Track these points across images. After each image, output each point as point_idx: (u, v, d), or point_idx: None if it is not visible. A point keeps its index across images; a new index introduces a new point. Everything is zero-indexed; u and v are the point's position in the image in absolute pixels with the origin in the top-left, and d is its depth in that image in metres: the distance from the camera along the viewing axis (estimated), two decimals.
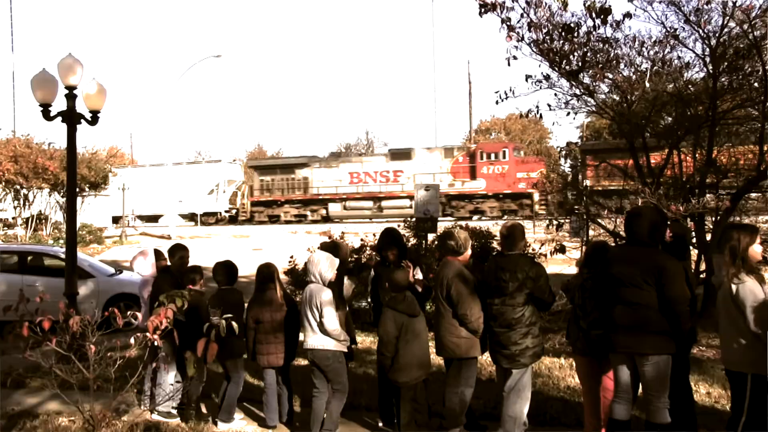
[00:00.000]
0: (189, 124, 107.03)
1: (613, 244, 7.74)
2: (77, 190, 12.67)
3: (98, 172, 33.58)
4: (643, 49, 8.46)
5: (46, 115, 8.92)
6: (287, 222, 44.35)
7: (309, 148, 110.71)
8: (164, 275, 6.80)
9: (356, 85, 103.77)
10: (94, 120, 9.30)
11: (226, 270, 6.48)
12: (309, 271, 5.91)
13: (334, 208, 43.32)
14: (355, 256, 10.39)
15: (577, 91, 9.17)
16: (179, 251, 7.05)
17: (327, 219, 43.56)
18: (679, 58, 8.60)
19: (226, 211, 45.69)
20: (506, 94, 8.99)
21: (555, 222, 10.58)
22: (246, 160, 58.19)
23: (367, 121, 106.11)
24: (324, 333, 5.76)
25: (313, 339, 5.80)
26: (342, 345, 5.84)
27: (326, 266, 5.85)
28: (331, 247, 6.46)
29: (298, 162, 43.62)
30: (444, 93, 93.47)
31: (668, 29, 8.30)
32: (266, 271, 6.28)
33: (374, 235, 11.16)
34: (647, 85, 8.52)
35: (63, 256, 11.16)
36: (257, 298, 6.24)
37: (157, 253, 7.19)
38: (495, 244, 10.63)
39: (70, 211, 9.27)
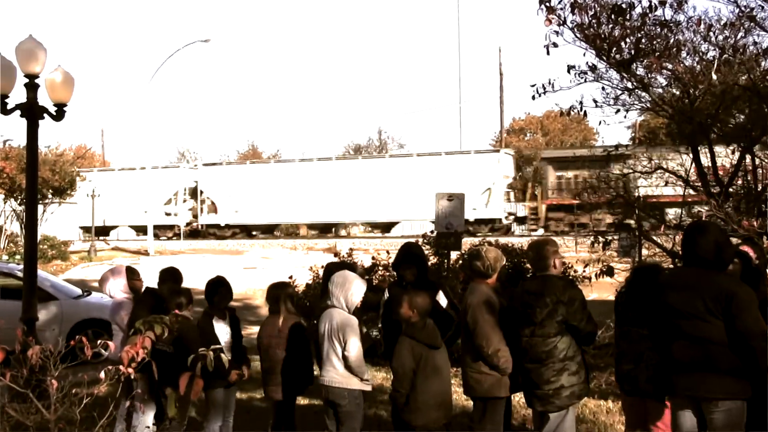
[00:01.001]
0: (173, 121, 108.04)
1: (670, 267, 7.68)
2: (38, 196, 12.70)
3: (64, 175, 33.76)
4: (710, 33, 8.38)
5: (3, 108, 8.95)
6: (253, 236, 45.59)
7: (311, 149, 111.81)
8: (147, 297, 6.85)
9: (366, 77, 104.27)
10: (59, 114, 9.33)
11: (219, 287, 6.70)
12: (331, 294, 5.96)
13: None
14: (366, 277, 10.42)
15: (629, 85, 9.14)
16: (170, 276, 7.13)
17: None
18: (755, 43, 8.49)
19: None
20: (544, 88, 8.96)
21: (601, 239, 10.53)
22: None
23: (379, 119, 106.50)
24: (347, 368, 5.79)
25: (332, 374, 5.83)
26: (365, 384, 5.88)
27: (356, 289, 5.90)
28: (345, 267, 6.55)
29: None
30: (470, 86, 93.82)
31: (742, 9, 8.22)
32: (270, 293, 6.51)
33: (387, 252, 11.18)
34: (714, 76, 8.44)
35: (20, 274, 11.18)
36: (264, 321, 6.53)
37: (130, 272, 7.22)
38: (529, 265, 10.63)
39: (30, 222, 9.31)
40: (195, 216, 46.83)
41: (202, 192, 46.13)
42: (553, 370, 5.35)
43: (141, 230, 47.08)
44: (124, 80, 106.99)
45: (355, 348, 5.72)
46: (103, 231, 47.13)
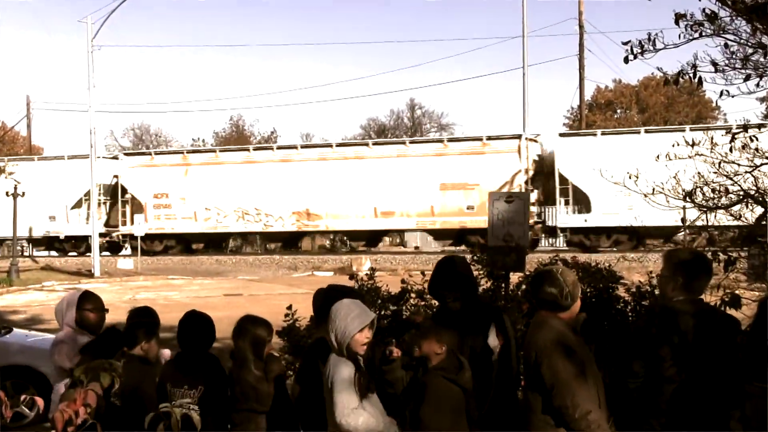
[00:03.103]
0: (131, 94, 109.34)
1: None
2: None
3: None
4: None
5: None
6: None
7: (320, 128, 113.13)
8: (105, 340, 6.94)
9: (391, 31, 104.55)
10: None
11: (195, 325, 6.72)
12: (330, 333, 5.99)
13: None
14: (391, 308, 10.39)
15: (765, 40, 9.05)
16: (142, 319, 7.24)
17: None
18: None
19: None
20: (642, 47, 8.89)
21: (722, 256, 10.41)
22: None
23: (408, 90, 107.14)
24: None
25: None
26: None
27: (348, 321, 5.88)
28: (345, 293, 6.56)
29: None
30: (539, 44, 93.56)
31: None
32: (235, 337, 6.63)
33: (422, 273, 11.16)
34: None
35: None
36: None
37: (83, 298, 7.27)
38: (623, 291, 10.54)
39: None
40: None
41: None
42: None
43: (39, 243, 48.01)
44: (60, 36, 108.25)
45: (343, 404, 5.65)
46: (34, 242, 47.98)
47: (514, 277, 11.66)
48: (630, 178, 9.77)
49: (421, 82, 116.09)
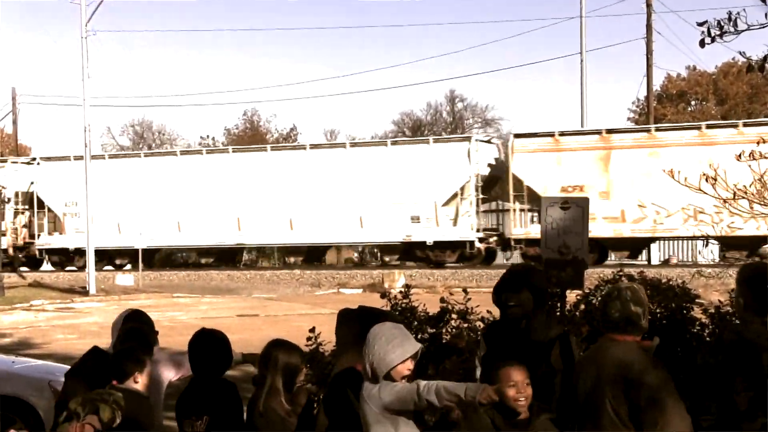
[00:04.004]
0: (133, 87, 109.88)
1: None
2: None
3: None
4: None
5: None
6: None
7: (346, 124, 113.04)
8: (88, 363, 7.02)
9: (429, 14, 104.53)
10: None
11: (207, 346, 6.76)
12: (366, 362, 6.03)
13: None
14: (429, 331, 10.38)
15: None
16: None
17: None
18: None
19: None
20: (721, 27, 8.82)
21: None
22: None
23: (448, 80, 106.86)
24: None
25: None
26: None
27: (390, 350, 5.91)
28: (374, 316, 6.57)
29: None
30: (599, 28, 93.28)
31: None
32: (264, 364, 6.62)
33: (464, 291, 11.14)
34: None
35: None
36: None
37: (131, 318, 7.52)
38: (699, 312, 10.49)
39: None
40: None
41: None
42: None
43: None
44: (49, 20, 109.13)
45: None
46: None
47: (571, 296, 11.63)
48: (706, 180, 9.70)
49: (462, 71, 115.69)
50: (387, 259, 46.28)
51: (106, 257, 47.78)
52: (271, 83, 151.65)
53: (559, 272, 11.26)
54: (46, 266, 49.24)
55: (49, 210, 47.89)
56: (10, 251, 47.82)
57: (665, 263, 43.38)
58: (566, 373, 6.42)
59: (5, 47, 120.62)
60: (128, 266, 48.51)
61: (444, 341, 10.10)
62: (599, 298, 10.24)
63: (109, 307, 33.54)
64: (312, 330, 10.93)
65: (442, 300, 10.96)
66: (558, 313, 11.03)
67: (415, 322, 10.27)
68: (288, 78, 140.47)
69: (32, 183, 48.46)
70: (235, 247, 47.31)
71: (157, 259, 51.15)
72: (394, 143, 46.92)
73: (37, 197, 48.02)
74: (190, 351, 6.75)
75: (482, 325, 9.90)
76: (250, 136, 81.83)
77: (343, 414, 6.31)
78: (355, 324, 6.68)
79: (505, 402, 5.84)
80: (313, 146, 46.92)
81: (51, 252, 48.11)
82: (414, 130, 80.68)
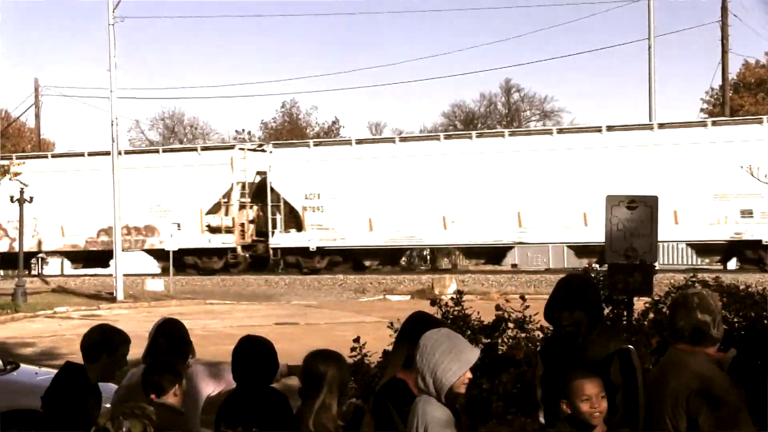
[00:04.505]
0: (160, 76, 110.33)
1: None
2: None
3: None
4: None
5: None
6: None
7: (392, 117, 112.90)
8: (66, 378, 7.12)
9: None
10: None
11: (253, 353, 6.78)
12: (419, 371, 6.02)
13: None
14: (484, 341, 10.35)
15: None
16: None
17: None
18: None
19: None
20: None
21: None
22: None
23: (503, 69, 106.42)
24: None
25: None
26: None
27: (452, 359, 5.92)
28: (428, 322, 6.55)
29: None
30: (667, 12, 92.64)
31: None
32: (314, 373, 6.55)
33: (522, 298, 11.09)
34: None
35: None
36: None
37: (163, 327, 7.55)
38: None
39: None
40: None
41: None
42: None
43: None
44: (74, 6, 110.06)
45: None
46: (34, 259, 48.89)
47: (639, 303, 11.55)
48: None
49: (519, 59, 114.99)
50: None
51: (351, 257, 47.80)
52: (311, 73, 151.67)
53: (626, 277, 11.19)
54: (59, 270, 49.43)
55: (285, 203, 47.43)
56: (239, 250, 48.20)
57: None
58: (627, 390, 6.38)
59: (26, 33, 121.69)
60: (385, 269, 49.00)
61: (500, 352, 10.06)
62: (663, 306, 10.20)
63: (138, 314, 33.75)
64: (356, 340, 10.94)
65: (498, 307, 10.91)
66: (624, 323, 10.96)
67: (469, 332, 10.24)
68: (329, 67, 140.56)
69: (263, 172, 48.54)
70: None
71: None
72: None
73: (271, 188, 47.64)
74: (235, 359, 6.75)
75: (541, 335, 9.86)
76: (288, 130, 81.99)
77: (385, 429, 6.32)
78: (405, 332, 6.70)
79: (578, 417, 5.83)
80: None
81: (287, 252, 47.73)
82: (466, 123, 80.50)
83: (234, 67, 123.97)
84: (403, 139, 49.75)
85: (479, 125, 76.37)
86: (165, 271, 46.90)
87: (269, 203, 47.53)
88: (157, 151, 53.48)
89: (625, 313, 11.12)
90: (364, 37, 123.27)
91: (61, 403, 6.96)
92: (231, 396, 6.81)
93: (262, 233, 48.82)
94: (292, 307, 37.18)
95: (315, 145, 49.29)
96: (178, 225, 47.02)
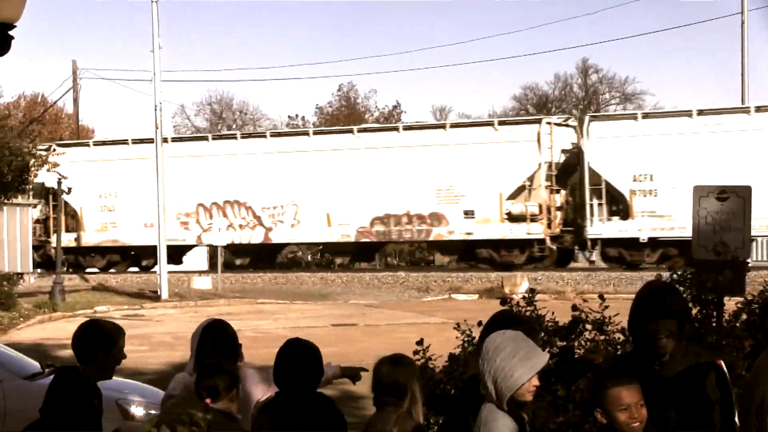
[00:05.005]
0: (206, 55, 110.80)
1: None
2: None
3: (9, 156, 34.97)
4: None
5: None
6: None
7: (459, 100, 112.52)
8: (64, 383, 7.14)
9: None
10: (2, 42, 9.72)
11: (299, 357, 6.80)
12: (481, 377, 6.04)
13: None
14: (559, 344, 10.30)
15: None
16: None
17: None
18: None
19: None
20: None
21: None
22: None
23: (579, 48, 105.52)
24: None
25: None
26: None
27: (516, 364, 5.92)
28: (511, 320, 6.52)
29: None
30: None
31: None
32: (388, 376, 6.62)
33: (600, 297, 11.02)
34: None
35: None
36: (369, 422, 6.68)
37: (209, 330, 7.60)
38: None
39: None
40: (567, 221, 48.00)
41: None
42: None
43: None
44: None
45: None
46: (81, 254, 49.60)
47: (730, 303, 11.45)
48: None
49: (597, 37, 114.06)
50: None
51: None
52: (370, 53, 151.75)
53: (716, 276, 11.09)
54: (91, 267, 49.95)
55: (609, 186, 45.27)
56: (548, 241, 45.99)
57: None
58: (724, 404, 6.32)
59: (63, 12, 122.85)
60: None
61: (576, 356, 10.02)
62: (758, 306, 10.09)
63: (184, 314, 33.99)
64: (420, 342, 10.94)
65: (574, 308, 10.88)
66: (714, 324, 10.86)
67: (542, 334, 10.18)
68: (389, 47, 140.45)
69: (568, 150, 47.02)
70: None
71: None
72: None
73: (590, 168, 45.62)
74: (279, 362, 6.76)
75: (622, 338, 9.79)
76: (345, 115, 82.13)
77: None
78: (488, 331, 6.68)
79: (616, 427, 5.81)
80: None
81: (609, 243, 45.37)
82: (539, 107, 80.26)
83: (285, 48, 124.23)
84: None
85: (554, 109, 76.03)
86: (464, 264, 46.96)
87: (587, 186, 45.27)
88: (443, 127, 50.32)
89: (714, 314, 11.02)
90: (427, 14, 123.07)
91: (66, 413, 6.96)
92: (272, 401, 6.83)
93: (566, 222, 47.14)
94: (349, 306, 37.29)
95: (643, 117, 46.61)
96: (472, 212, 45.95)
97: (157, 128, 42.64)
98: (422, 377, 10.75)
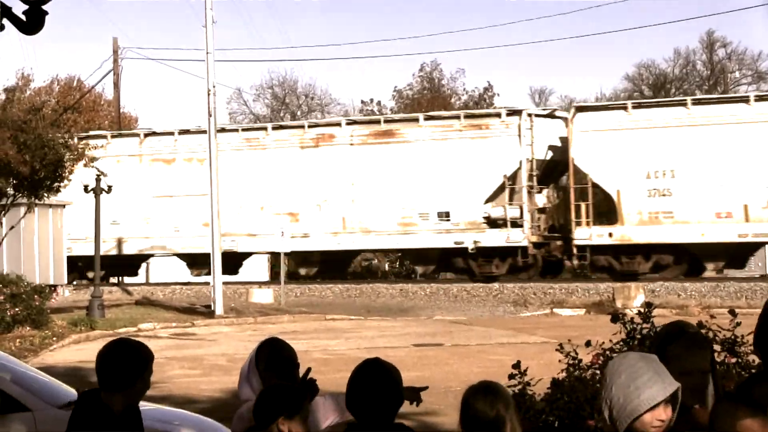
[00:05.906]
0: (268, 36, 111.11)
1: None
2: None
3: (41, 149, 35.25)
4: None
5: None
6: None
7: (560, 82, 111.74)
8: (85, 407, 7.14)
9: None
10: (32, 20, 9.81)
11: (376, 380, 6.79)
12: (597, 406, 6.03)
13: None
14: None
15: None
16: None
17: None
18: None
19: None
20: None
21: None
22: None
23: (701, 18, 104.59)
24: None
25: None
26: None
27: (634, 391, 5.83)
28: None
29: None
30: None
31: None
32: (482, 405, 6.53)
33: (731, 313, 10.92)
34: None
35: None
36: None
37: (276, 345, 7.69)
38: None
39: None
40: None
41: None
42: None
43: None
44: None
45: None
46: (123, 263, 49.72)
47: None
48: None
49: (723, 6, 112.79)
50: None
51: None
52: (456, 28, 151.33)
53: None
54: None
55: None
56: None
57: None
58: None
59: None
60: None
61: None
62: None
63: (242, 332, 34.14)
64: (517, 365, 10.89)
65: (700, 324, 10.79)
66: None
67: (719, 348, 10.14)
68: (478, 20, 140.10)
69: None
70: None
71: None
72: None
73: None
74: (353, 386, 6.76)
75: (758, 361, 9.70)
76: (428, 100, 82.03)
77: None
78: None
79: None
80: None
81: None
82: (656, 88, 79.74)
83: (358, 22, 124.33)
84: None
85: (674, 90, 75.51)
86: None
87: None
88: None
89: None
90: None
91: None
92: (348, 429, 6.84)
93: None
94: (434, 323, 37.27)
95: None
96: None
97: (210, 115, 42.61)
98: (520, 407, 10.78)
